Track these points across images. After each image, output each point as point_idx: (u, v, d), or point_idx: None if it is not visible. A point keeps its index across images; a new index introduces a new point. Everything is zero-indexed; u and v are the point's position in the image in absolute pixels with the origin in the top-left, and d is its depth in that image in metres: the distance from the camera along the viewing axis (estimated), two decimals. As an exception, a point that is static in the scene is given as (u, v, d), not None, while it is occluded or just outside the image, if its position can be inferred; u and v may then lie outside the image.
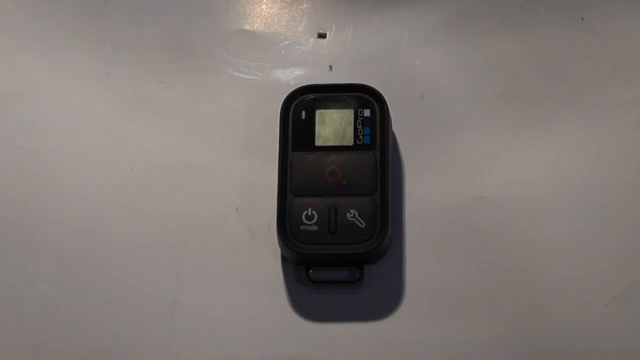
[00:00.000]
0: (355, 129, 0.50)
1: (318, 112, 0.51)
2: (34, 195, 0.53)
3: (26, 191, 0.53)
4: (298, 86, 0.52)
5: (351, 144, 0.50)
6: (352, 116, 0.51)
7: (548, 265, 0.50)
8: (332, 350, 0.48)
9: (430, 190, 0.52)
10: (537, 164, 0.52)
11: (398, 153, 0.53)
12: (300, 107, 0.51)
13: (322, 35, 0.57)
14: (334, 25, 0.57)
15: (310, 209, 0.49)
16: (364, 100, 0.51)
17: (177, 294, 0.50)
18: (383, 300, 0.49)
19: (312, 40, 0.57)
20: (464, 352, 0.48)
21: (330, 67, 0.56)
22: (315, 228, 0.48)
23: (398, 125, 0.53)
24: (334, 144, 0.50)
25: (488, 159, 0.53)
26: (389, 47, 0.56)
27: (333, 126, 0.51)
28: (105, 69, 0.56)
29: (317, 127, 0.51)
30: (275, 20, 0.57)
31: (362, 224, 0.48)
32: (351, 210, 0.49)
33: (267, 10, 0.58)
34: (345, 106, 0.51)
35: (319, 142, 0.50)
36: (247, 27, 0.57)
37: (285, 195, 0.49)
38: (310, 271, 0.49)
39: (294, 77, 0.55)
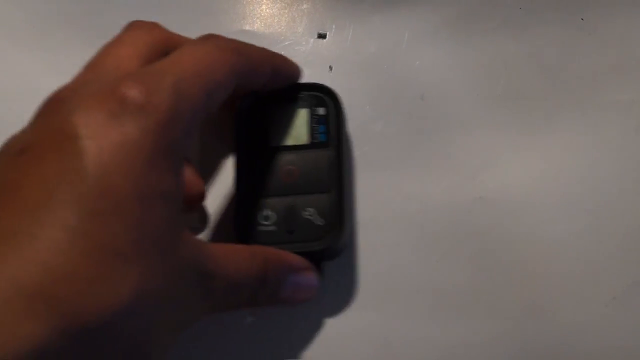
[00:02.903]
0: (311, 127, 0.50)
1: (272, 113, 0.51)
2: (34, 195, 0.52)
3: (26, 191, 0.53)
4: None
5: (307, 142, 0.50)
6: (307, 115, 0.50)
7: (548, 265, 0.50)
8: (332, 350, 0.48)
9: (429, 191, 0.52)
10: (537, 164, 0.53)
11: (398, 153, 0.53)
12: (254, 109, 0.50)
13: (322, 36, 0.57)
14: (334, 26, 0.57)
15: (267, 209, 0.48)
16: (318, 99, 0.51)
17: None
18: (383, 300, 0.49)
19: (312, 40, 0.57)
20: (464, 352, 0.48)
21: (330, 68, 0.56)
22: (274, 228, 0.48)
23: (398, 125, 0.53)
24: (289, 143, 0.50)
25: (488, 160, 0.53)
26: (389, 47, 0.56)
27: (288, 125, 0.50)
28: (105, 69, 0.56)
29: (271, 127, 0.50)
30: (275, 20, 0.57)
31: (319, 221, 0.48)
32: (308, 209, 0.48)
33: (267, 10, 0.58)
34: (299, 105, 0.51)
35: (274, 142, 0.50)
36: (247, 27, 0.57)
37: (242, 196, 0.49)
38: None
39: (294, 77, 0.55)
